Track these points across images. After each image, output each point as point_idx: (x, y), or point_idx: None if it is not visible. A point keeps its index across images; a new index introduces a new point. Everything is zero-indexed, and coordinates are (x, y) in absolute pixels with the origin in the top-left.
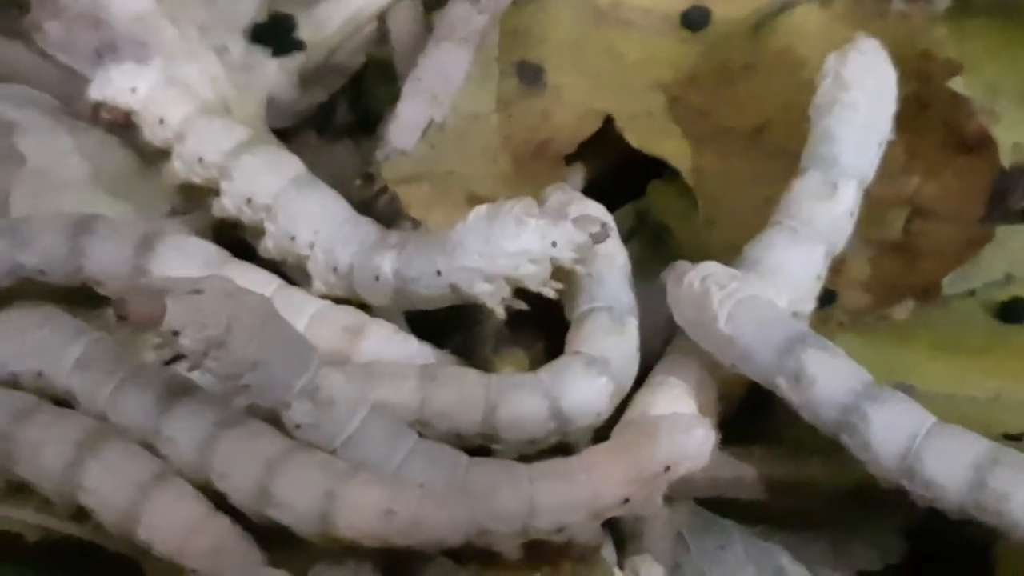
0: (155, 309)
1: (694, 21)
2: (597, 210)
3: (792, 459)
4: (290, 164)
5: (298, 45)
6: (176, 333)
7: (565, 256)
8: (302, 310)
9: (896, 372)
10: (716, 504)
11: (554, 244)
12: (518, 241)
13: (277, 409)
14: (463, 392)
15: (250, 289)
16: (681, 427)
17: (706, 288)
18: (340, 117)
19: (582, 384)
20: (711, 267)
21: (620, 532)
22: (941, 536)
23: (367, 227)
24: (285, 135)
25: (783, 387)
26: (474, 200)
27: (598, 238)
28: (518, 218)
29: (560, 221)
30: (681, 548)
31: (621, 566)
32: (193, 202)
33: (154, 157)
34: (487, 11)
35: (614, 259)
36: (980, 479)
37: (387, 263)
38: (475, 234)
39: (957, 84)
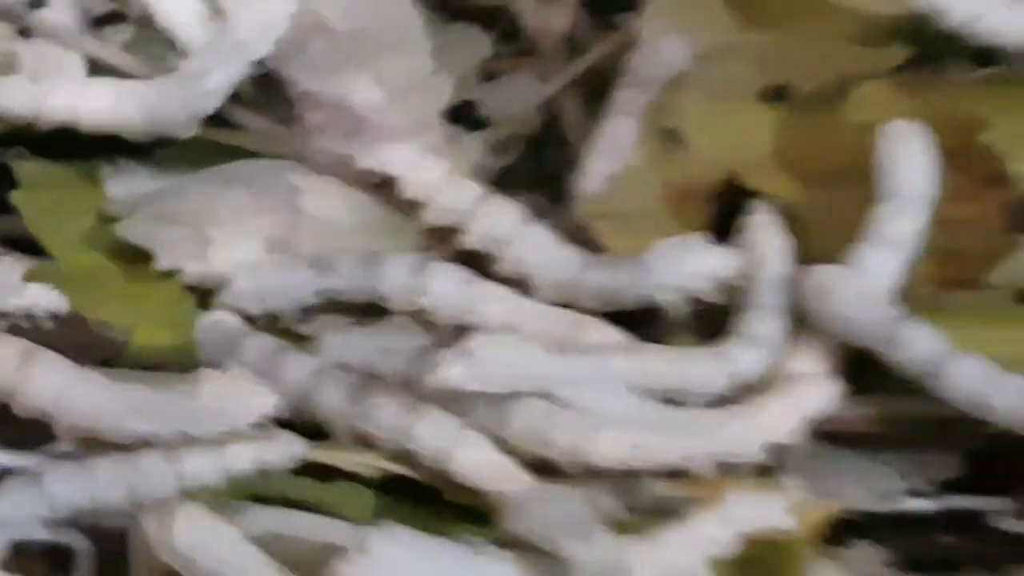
0: None
1: (777, 96)
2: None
3: (898, 403)
4: (513, 208)
5: (483, 124)
6: None
7: (728, 275)
8: (535, 313)
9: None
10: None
11: (722, 266)
12: (697, 264)
13: None
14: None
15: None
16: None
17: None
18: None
19: (747, 352)
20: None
21: None
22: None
23: (576, 253)
24: None
25: (890, 353)
26: (644, 232)
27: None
28: (696, 247)
29: (725, 250)
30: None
31: None
32: (437, 241)
33: (407, 208)
34: (647, 93)
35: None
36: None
37: (595, 279)
38: (665, 259)
39: (985, 137)
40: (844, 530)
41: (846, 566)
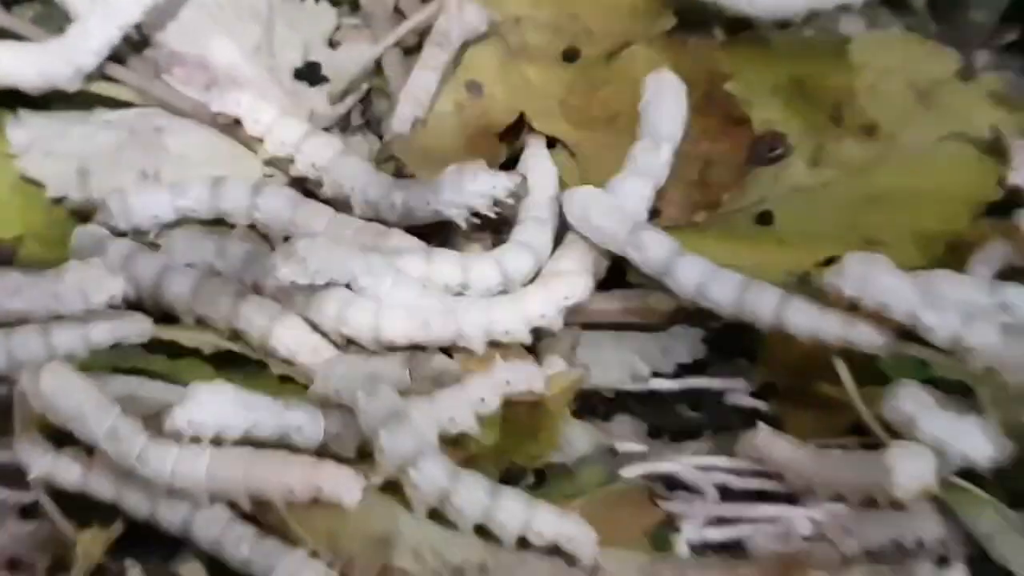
0: None
1: (570, 57)
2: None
3: (643, 296)
4: (336, 143)
5: (325, 80)
6: None
7: (501, 195)
8: (349, 225)
9: (695, 253)
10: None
11: (494, 187)
12: (475, 185)
13: None
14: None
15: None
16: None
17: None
18: (354, 121)
19: (518, 255)
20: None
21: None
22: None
23: (384, 177)
24: None
25: (633, 255)
26: (445, 162)
27: (520, 189)
28: (474, 172)
29: (499, 174)
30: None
31: None
32: (275, 168)
33: (251, 143)
34: (447, 50)
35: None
36: (742, 292)
37: (398, 198)
38: (450, 182)
39: (730, 86)
40: (605, 405)
41: (607, 433)
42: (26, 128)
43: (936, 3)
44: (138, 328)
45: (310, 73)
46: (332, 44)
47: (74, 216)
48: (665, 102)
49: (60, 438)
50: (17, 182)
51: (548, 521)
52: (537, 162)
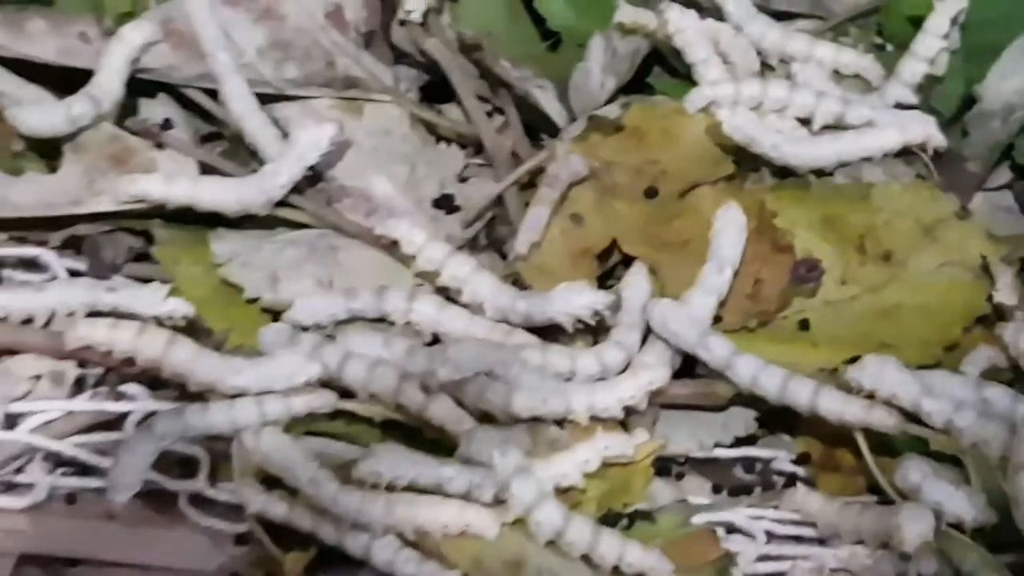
0: None
1: (650, 194)
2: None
3: (708, 384)
4: (472, 261)
5: (457, 208)
6: None
7: (599, 307)
8: (483, 326)
9: (749, 352)
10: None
11: (594, 302)
12: (580, 299)
13: None
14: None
15: None
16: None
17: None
18: (481, 241)
19: (614, 352)
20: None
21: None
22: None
23: (510, 289)
24: None
25: (701, 354)
26: (556, 279)
27: (613, 304)
28: (579, 289)
29: (597, 292)
30: None
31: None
32: (424, 279)
33: (406, 259)
34: (557, 190)
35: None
36: (784, 384)
37: (521, 306)
38: (560, 296)
39: (776, 221)
40: (679, 467)
41: (680, 489)
42: (227, 243)
43: (939, 157)
44: (326, 401)
45: (446, 203)
46: (462, 180)
47: (266, 313)
48: (730, 232)
49: (269, 482)
50: (222, 286)
51: (636, 555)
52: (635, 279)
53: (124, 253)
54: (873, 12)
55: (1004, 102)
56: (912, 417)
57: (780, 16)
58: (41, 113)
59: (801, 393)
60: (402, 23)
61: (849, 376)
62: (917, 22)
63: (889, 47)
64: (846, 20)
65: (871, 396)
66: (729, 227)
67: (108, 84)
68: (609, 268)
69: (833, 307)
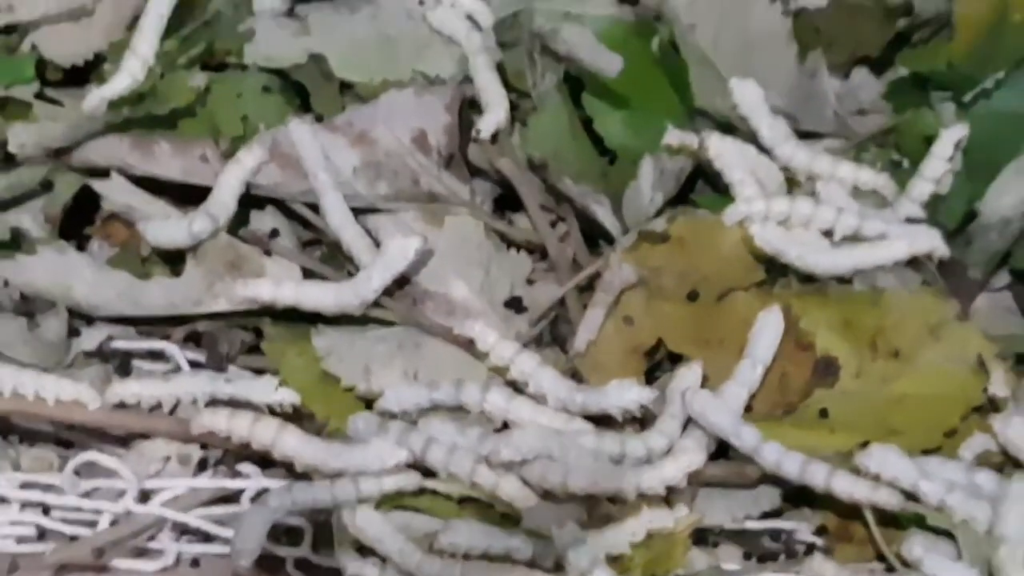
0: None
1: (692, 297)
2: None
3: (740, 465)
4: (536, 357)
5: (525, 309)
6: None
7: (645, 401)
8: (545, 413)
9: (775, 438)
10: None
11: (641, 396)
12: (629, 395)
13: None
14: None
15: None
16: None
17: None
18: (545, 339)
19: (657, 438)
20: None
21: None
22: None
23: (569, 382)
24: None
25: (734, 441)
26: (609, 374)
27: (657, 400)
28: (629, 385)
29: (644, 388)
30: None
31: None
32: (496, 373)
33: (480, 355)
34: (611, 295)
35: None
36: (803, 467)
37: (579, 398)
38: (613, 390)
39: (801, 323)
40: (714, 537)
41: (715, 556)
42: (326, 338)
43: (944, 265)
44: (411, 481)
45: (515, 304)
46: (530, 282)
47: (360, 401)
48: (768, 333)
49: (364, 550)
50: (322, 376)
51: None
52: (686, 377)
53: (238, 347)
54: (891, 131)
55: (1001, 216)
56: (912, 496)
57: (808, 135)
58: (167, 228)
59: (817, 475)
60: (473, 140)
61: (858, 461)
62: (930, 140)
63: (905, 163)
64: (867, 139)
65: (877, 478)
66: (768, 329)
67: (224, 201)
68: (656, 362)
69: (849, 397)
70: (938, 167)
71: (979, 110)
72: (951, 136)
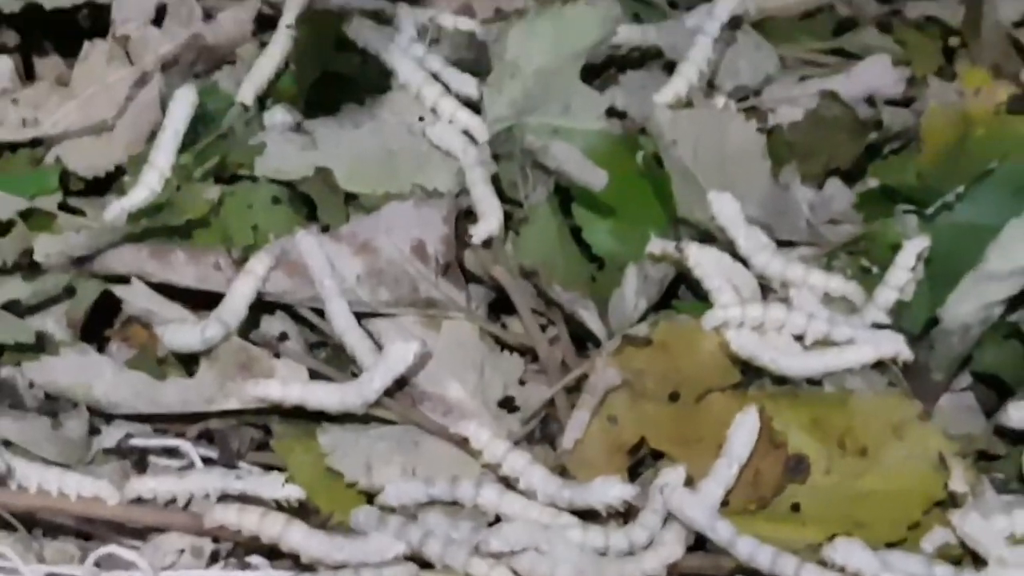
0: None
1: (673, 397)
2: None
3: (715, 557)
4: (527, 455)
5: (517, 408)
6: None
7: (627, 498)
8: (535, 508)
9: (748, 532)
10: None
11: (623, 493)
12: (613, 491)
13: None
14: None
15: None
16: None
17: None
18: (536, 435)
19: (639, 533)
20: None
21: None
22: None
23: (557, 479)
24: None
25: (710, 535)
26: (595, 470)
27: (639, 496)
28: (612, 483)
29: (627, 485)
30: None
31: None
32: (489, 469)
33: (474, 453)
34: (596, 396)
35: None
36: (774, 560)
37: (566, 493)
38: (598, 486)
39: (775, 422)
40: None
41: None
42: (331, 436)
43: (908, 368)
44: (409, 572)
45: (508, 403)
46: (521, 383)
47: (362, 495)
48: (745, 433)
49: None
50: (327, 472)
51: None
52: (667, 474)
53: (248, 444)
54: (861, 240)
55: (961, 322)
56: None
57: (783, 243)
58: (182, 333)
59: (787, 567)
60: (465, 246)
61: (824, 554)
62: (897, 248)
63: (875, 270)
64: (838, 247)
65: (843, 570)
66: (744, 429)
67: (236, 309)
68: (640, 458)
69: (819, 493)
70: (902, 276)
71: (941, 222)
72: (914, 247)
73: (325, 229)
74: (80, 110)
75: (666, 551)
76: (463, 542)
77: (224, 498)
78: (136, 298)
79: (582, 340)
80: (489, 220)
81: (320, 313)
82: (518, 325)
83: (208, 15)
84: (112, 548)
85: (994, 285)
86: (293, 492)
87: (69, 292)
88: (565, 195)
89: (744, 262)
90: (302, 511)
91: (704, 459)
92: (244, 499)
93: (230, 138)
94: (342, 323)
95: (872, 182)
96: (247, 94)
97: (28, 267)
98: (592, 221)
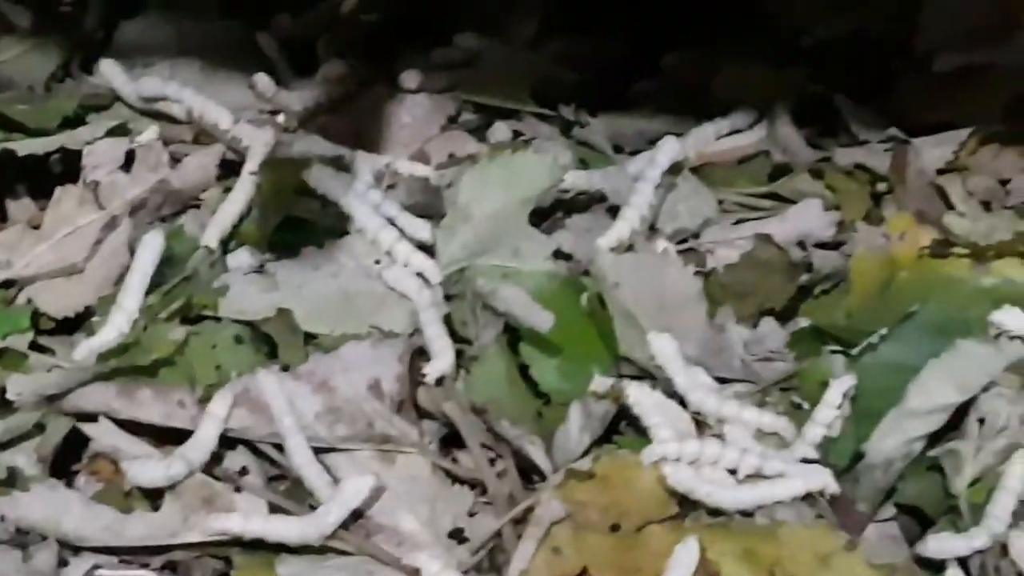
0: None
1: (614, 528)
2: None
3: None
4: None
5: (467, 540)
6: None
7: None
8: None
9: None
10: None
11: None
12: None
13: None
14: None
15: None
16: None
17: None
18: (484, 565)
19: None
20: None
21: None
22: None
23: None
24: None
25: None
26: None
27: None
28: None
29: None
30: None
31: None
32: None
33: None
34: (541, 529)
35: None
36: None
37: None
38: None
39: (708, 552)
40: None
41: None
42: (290, 567)
43: (835, 500)
44: None
45: (457, 535)
46: (471, 515)
47: None
48: (683, 564)
49: None
50: None
51: None
52: None
53: (210, 574)
54: (793, 377)
55: (885, 457)
56: None
57: (719, 380)
58: (147, 470)
59: None
60: (419, 383)
61: None
62: (826, 386)
63: (806, 406)
64: (771, 384)
65: None
66: (683, 561)
67: (200, 447)
68: None
69: None
70: (829, 414)
71: (866, 361)
72: (840, 386)
73: (285, 368)
74: (52, 252)
75: None
76: None
77: None
78: (104, 435)
79: (528, 473)
80: (442, 359)
81: (280, 448)
82: (468, 459)
83: (175, 159)
84: None
85: (915, 421)
86: None
87: (39, 428)
88: (514, 334)
89: (681, 399)
90: None
91: None
92: None
93: (195, 280)
94: (300, 458)
95: (803, 322)
96: (211, 237)
97: (0, 405)
98: (539, 360)
